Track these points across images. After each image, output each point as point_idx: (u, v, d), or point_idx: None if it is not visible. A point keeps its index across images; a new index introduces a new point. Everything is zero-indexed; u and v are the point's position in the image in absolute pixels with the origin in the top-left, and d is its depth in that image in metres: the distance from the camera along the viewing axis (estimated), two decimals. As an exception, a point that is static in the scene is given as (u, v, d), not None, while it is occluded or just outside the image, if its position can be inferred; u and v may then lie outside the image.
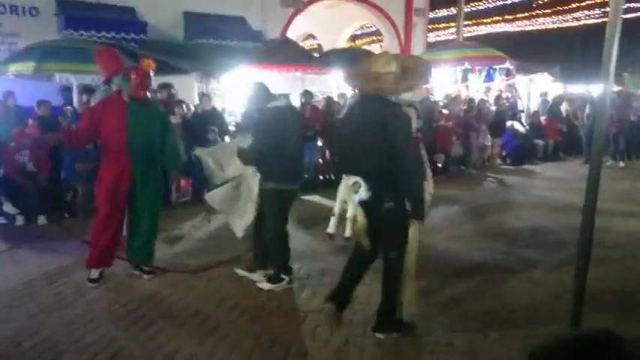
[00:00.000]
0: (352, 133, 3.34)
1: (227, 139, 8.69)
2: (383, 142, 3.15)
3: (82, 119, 4.84)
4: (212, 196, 4.78)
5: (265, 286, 4.38)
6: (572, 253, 3.33)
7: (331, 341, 3.50)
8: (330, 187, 8.95)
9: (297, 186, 4.46)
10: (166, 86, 8.74)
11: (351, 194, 3.28)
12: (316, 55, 13.77)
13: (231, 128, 9.01)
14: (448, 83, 14.78)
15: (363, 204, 3.29)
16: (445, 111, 11.22)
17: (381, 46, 17.92)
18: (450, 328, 3.67)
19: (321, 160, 9.55)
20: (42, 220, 6.56)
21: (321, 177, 9.53)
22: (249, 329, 3.66)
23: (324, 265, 5.04)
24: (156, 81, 8.49)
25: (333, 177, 9.43)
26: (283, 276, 4.41)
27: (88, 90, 7.91)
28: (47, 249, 5.52)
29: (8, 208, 6.46)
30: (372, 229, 3.38)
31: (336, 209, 3.38)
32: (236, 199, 4.62)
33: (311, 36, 19.14)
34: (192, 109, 9.11)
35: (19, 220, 6.49)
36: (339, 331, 3.62)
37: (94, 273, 4.50)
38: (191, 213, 7.27)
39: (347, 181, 3.32)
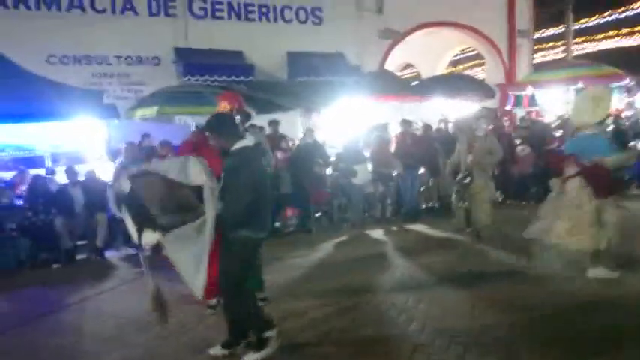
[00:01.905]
0: None
1: (329, 170, 8.93)
2: None
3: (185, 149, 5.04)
4: (169, 241, 3.74)
5: (252, 357, 3.69)
6: None
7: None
8: (433, 216, 8.80)
9: (266, 234, 3.91)
10: (273, 123, 9.26)
11: None
12: (415, 82, 13.78)
13: (332, 159, 9.22)
14: (560, 104, 13.91)
15: None
16: (558, 133, 10.53)
17: (483, 69, 17.43)
18: None
19: (422, 188, 9.37)
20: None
21: (423, 206, 9.34)
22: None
23: (431, 294, 4.91)
24: (264, 118, 9.06)
25: (437, 205, 9.22)
26: (268, 334, 3.74)
27: (202, 131, 8.59)
28: (173, 277, 5.98)
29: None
30: None
31: None
32: (194, 243, 3.68)
33: (410, 65, 19.15)
34: (296, 142, 9.52)
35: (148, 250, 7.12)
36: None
37: (213, 300, 4.78)
38: (296, 241, 7.54)
39: None
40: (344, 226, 8.47)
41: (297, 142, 9.59)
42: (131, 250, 7.41)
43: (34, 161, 8.53)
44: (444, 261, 6.07)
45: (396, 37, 14.10)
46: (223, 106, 4.87)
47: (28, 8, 10.99)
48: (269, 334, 3.73)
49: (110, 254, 7.48)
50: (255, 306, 3.85)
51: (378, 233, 7.94)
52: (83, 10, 11.35)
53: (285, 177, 8.22)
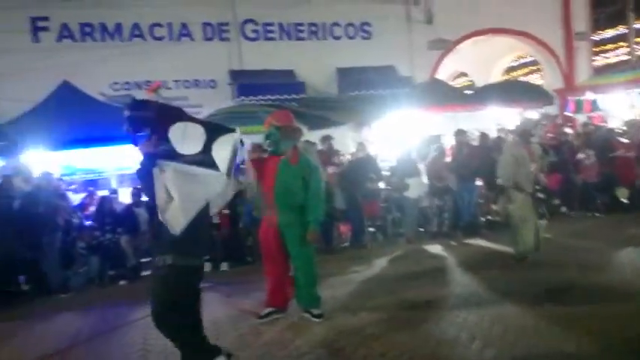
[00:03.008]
0: None
1: (381, 184, 8.87)
2: None
3: (255, 168, 5.14)
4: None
5: None
6: None
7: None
8: (493, 230, 8.49)
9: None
10: (327, 138, 9.35)
11: None
12: (468, 92, 13.51)
13: (385, 173, 9.14)
14: (624, 109, 13.23)
15: None
16: (624, 139, 9.99)
17: (541, 76, 16.85)
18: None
19: (483, 201, 9.07)
20: (225, 266, 7.38)
21: (483, 219, 9.02)
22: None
23: (494, 312, 4.74)
24: (316, 134, 9.17)
25: (498, 218, 8.89)
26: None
27: (259, 148, 8.80)
28: (230, 293, 6.16)
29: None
30: None
31: None
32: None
33: (462, 74, 18.82)
34: (348, 157, 9.53)
35: (206, 267, 7.34)
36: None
37: (265, 310, 4.94)
38: (351, 257, 7.51)
39: None
40: (399, 241, 8.36)
41: (347, 157, 9.61)
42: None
43: (102, 183, 9.03)
44: (507, 277, 5.84)
45: (446, 47, 13.92)
46: (268, 123, 5.01)
47: (94, 39, 11.75)
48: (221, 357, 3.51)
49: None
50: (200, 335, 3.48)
51: (435, 248, 7.78)
52: (143, 38, 11.99)
53: (337, 192, 8.25)
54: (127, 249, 7.41)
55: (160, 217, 3.23)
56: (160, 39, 12.12)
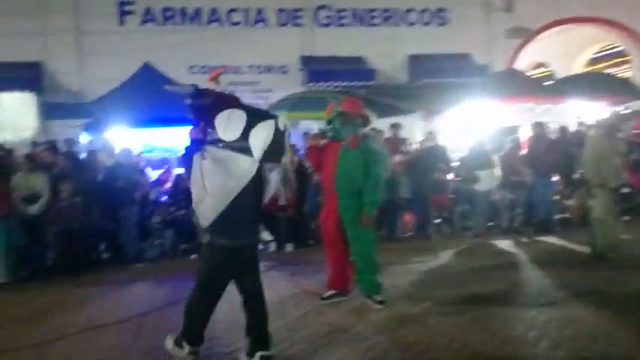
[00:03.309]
0: None
1: (450, 175, 8.65)
2: None
3: (312, 155, 5.31)
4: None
5: (168, 343, 3.71)
6: None
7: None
8: (567, 227, 8.05)
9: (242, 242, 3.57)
10: (395, 126, 9.25)
11: None
12: (548, 83, 12.83)
13: (455, 163, 8.90)
14: None
15: None
16: None
17: (630, 68, 15.67)
18: None
19: (558, 197, 8.62)
20: (289, 247, 7.54)
21: (557, 216, 8.56)
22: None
23: (564, 313, 4.53)
24: (385, 122, 9.09)
25: (572, 215, 8.44)
26: (185, 345, 3.64)
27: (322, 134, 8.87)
28: (294, 273, 6.29)
29: (265, 235, 7.56)
30: None
31: None
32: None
33: (542, 64, 17.90)
34: (415, 146, 9.37)
35: (272, 247, 7.55)
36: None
37: (327, 292, 5.02)
38: (415, 247, 7.42)
39: None
40: (466, 234, 8.14)
41: (414, 146, 9.44)
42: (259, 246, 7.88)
43: (178, 161, 9.47)
44: (580, 277, 5.54)
45: (525, 36, 13.27)
46: (330, 108, 5.04)
47: (174, 23, 12.25)
48: (186, 347, 3.64)
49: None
50: (202, 316, 3.68)
51: (504, 244, 7.50)
52: (220, 23, 12.36)
53: (403, 181, 8.14)
54: (199, 225, 7.73)
55: (194, 207, 3.43)
56: (236, 24, 12.44)
